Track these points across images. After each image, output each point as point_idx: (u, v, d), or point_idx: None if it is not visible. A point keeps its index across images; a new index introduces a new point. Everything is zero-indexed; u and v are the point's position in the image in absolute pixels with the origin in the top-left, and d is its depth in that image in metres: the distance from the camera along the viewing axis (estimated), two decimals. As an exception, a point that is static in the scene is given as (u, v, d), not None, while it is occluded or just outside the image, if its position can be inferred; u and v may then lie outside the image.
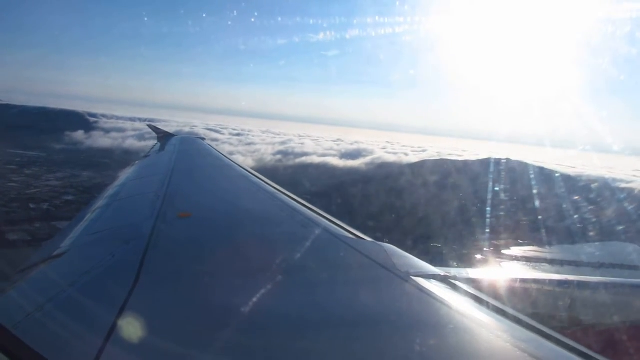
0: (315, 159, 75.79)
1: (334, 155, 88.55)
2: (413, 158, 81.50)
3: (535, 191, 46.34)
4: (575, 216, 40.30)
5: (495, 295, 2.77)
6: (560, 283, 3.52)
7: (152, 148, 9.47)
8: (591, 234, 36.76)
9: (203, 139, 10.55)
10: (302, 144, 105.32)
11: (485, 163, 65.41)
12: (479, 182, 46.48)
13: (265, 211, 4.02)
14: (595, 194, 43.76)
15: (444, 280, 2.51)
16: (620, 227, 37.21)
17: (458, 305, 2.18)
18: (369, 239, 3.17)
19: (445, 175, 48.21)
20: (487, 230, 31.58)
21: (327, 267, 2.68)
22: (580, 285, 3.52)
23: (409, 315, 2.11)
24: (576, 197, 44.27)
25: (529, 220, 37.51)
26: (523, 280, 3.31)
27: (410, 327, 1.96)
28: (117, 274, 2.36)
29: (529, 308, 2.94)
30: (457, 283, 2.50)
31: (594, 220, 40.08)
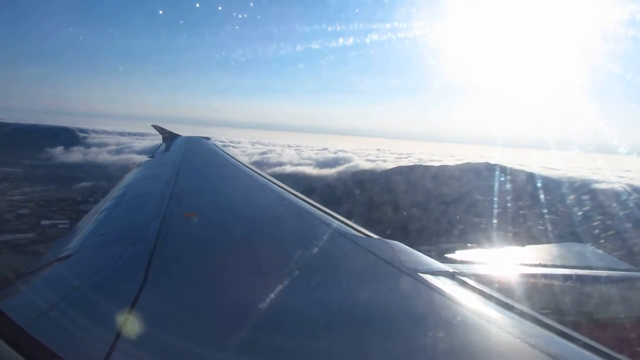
0: (288, 169, 75.31)
1: (309, 165, 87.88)
2: (391, 165, 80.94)
3: (503, 194, 45.47)
4: (538, 218, 39.42)
5: (502, 291, 2.77)
6: (568, 278, 3.53)
7: (158, 148, 9.40)
8: (549, 235, 35.83)
9: (208, 138, 10.47)
10: (279, 154, 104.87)
11: (462, 168, 64.72)
12: (447, 186, 45.71)
13: (272, 210, 4.03)
14: (568, 195, 42.90)
15: (451, 276, 2.53)
16: (582, 229, 36.28)
17: (465, 301, 2.18)
18: (376, 237, 3.18)
19: (413, 181, 47.50)
20: (436, 234, 30.75)
21: (336, 264, 2.70)
22: (588, 279, 3.55)
23: (416, 311, 2.13)
24: (546, 200, 43.31)
25: (487, 223, 36.65)
26: (530, 276, 3.33)
27: (418, 323, 1.98)
28: (125, 274, 2.37)
29: (537, 303, 2.94)
30: (465, 279, 2.51)
31: (556, 222, 39.23)
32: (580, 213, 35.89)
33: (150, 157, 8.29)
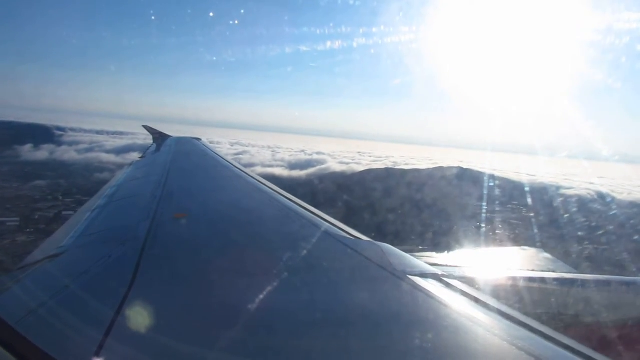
0: (258, 170, 73.71)
1: (281, 166, 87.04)
2: (364, 168, 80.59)
3: (466, 198, 45.22)
4: (497, 222, 39.38)
5: (492, 293, 2.76)
6: (556, 281, 3.50)
7: (148, 149, 9.31)
8: (504, 239, 35.91)
9: (199, 139, 10.35)
10: (253, 155, 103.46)
11: (432, 172, 64.80)
12: (413, 190, 45.58)
13: (261, 211, 4.01)
14: (532, 201, 42.98)
15: (441, 279, 2.51)
16: (539, 233, 36.36)
17: (455, 303, 2.18)
18: (365, 239, 3.16)
19: (379, 184, 47.37)
20: (388, 236, 30.44)
21: (324, 266, 2.67)
22: (575, 282, 3.53)
23: (405, 314, 2.12)
24: (509, 204, 43.32)
25: (443, 226, 36.50)
26: (519, 279, 3.29)
27: (407, 326, 1.97)
28: (114, 275, 2.35)
29: (526, 306, 2.91)
30: (454, 282, 2.50)
31: (515, 226, 39.26)
32: (540, 218, 36.02)
33: (141, 157, 8.18)
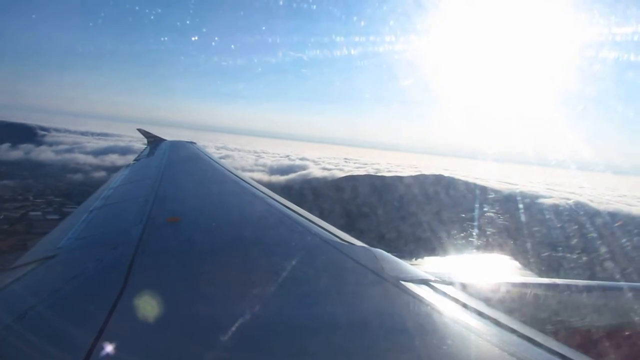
0: (237, 175, 72.88)
1: (261, 171, 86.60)
2: (345, 174, 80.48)
3: (440, 206, 45.27)
4: (468, 229, 39.34)
5: (486, 299, 2.75)
6: (551, 287, 3.50)
7: (142, 152, 9.29)
8: (475, 246, 35.93)
9: (193, 143, 10.33)
10: (235, 159, 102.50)
11: (411, 179, 64.93)
12: (387, 196, 45.51)
13: (255, 216, 4.00)
14: (508, 209, 43.11)
15: (434, 285, 2.50)
16: (512, 242, 36.49)
17: (448, 310, 2.18)
18: (359, 244, 3.16)
19: (354, 191, 47.26)
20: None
21: (317, 272, 2.66)
22: (571, 288, 3.51)
23: (398, 320, 2.11)
24: (483, 212, 43.27)
25: (414, 234, 36.41)
26: (514, 285, 3.29)
27: (399, 333, 1.95)
28: (104, 280, 2.33)
29: (520, 312, 2.91)
30: (447, 288, 2.48)
31: (488, 233, 39.19)
32: (515, 227, 36.05)
33: (135, 160, 8.17)
